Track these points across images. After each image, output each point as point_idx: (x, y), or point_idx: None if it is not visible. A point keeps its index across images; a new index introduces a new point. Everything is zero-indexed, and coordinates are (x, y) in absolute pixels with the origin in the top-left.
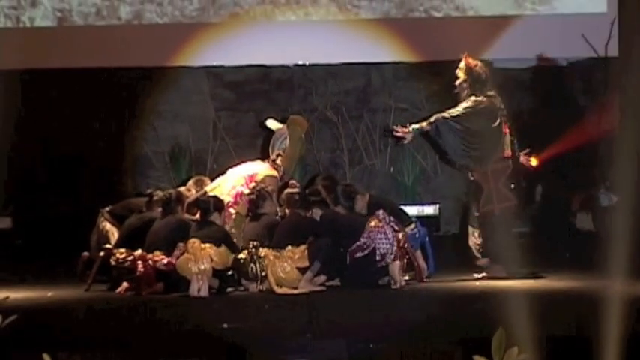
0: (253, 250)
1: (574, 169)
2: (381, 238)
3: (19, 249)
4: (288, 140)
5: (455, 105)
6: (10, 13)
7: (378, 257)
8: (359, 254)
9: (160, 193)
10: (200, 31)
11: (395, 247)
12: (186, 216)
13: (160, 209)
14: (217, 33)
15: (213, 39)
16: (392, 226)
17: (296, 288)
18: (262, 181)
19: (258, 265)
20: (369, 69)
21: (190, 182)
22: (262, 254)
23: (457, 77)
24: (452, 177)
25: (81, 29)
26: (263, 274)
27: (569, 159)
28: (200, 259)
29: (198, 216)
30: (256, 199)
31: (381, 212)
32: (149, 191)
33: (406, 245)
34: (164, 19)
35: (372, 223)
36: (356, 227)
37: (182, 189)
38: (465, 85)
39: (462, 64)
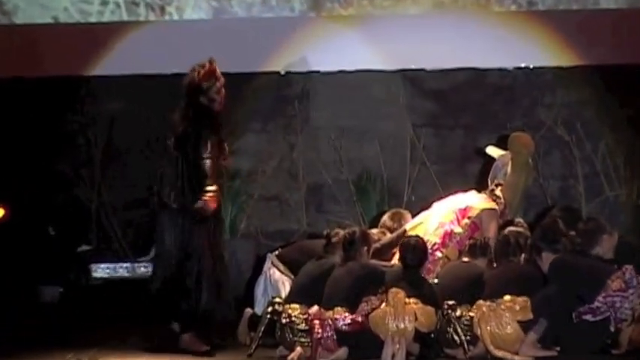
0: (450, 312)
1: None
2: (621, 306)
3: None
4: (510, 166)
5: None
6: (153, 2)
7: (612, 328)
8: (587, 317)
9: (340, 233)
10: (393, 25)
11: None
12: (373, 261)
13: (341, 253)
14: (417, 27)
15: (409, 37)
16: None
17: (516, 353)
18: (477, 216)
19: (458, 329)
20: (606, 73)
21: (386, 216)
22: (460, 315)
23: None
24: None
25: (240, 21)
26: (466, 338)
27: None
28: (402, 315)
29: (396, 261)
30: (477, 248)
31: (629, 270)
32: (327, 231)
33: None
34: (348, 11)
35: (615, 284)
36: (596, 278)
37: (374, 230)
38: None
39: None
